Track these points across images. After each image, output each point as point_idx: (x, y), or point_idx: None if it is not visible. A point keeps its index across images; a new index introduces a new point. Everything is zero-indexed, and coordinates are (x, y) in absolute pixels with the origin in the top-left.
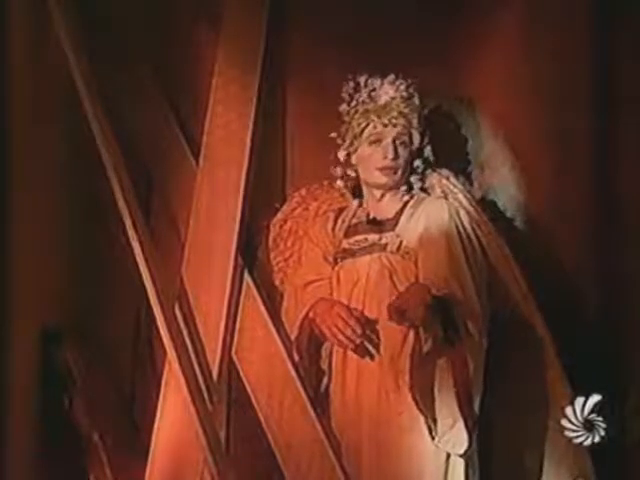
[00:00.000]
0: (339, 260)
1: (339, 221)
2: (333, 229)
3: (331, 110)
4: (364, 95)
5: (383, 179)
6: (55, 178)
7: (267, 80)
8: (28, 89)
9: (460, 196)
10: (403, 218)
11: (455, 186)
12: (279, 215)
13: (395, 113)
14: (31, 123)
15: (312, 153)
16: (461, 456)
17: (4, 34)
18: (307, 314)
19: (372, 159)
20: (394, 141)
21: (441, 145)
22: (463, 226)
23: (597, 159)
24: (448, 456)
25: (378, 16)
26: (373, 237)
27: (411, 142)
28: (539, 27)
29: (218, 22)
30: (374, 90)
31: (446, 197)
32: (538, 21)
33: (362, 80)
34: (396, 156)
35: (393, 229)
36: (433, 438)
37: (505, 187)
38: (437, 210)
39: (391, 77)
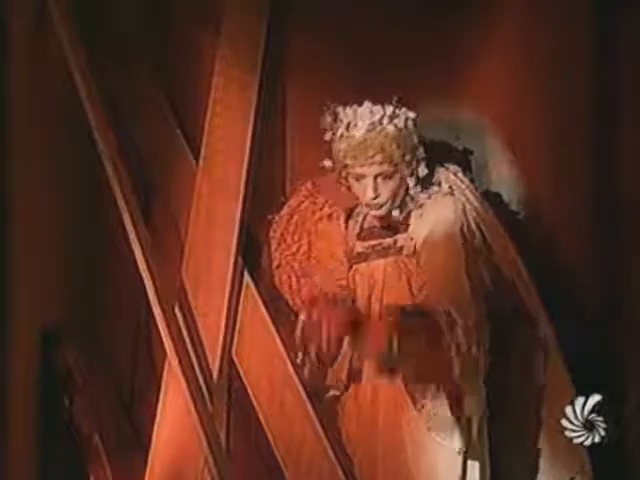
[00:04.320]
0: (354, 264)
1: (351, 222)
2: (346, 229)
3: None
4: (342, 128)
5: (373, 211)
6: (55, 178)
7: (267, 80)
8: (28, 90)
9: (467, 192)
10: (413, 218)
11: (463, 181)
12: (285, 209)
13: (371, 152)
14: (31, 124)
15: (312, 152)
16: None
17: (4, 34)
18: None
19: (359, 193)
20: (375, 178)
21: (442, 146)
22: (468, 224)
23: (597, 158)
24: (464, 463)
25: (378, 16)
26: (388, 241)
27: (396, 171)
28: (539, 27)
29: (218, 22)
30: (349, 123)
31: (453, 192)
32: (538, 21)
33: (340, 111)
34: (377, 194)
35: (406, 230)
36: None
37: (505, 186)
38: (443, 209)
39: (366, 106)
